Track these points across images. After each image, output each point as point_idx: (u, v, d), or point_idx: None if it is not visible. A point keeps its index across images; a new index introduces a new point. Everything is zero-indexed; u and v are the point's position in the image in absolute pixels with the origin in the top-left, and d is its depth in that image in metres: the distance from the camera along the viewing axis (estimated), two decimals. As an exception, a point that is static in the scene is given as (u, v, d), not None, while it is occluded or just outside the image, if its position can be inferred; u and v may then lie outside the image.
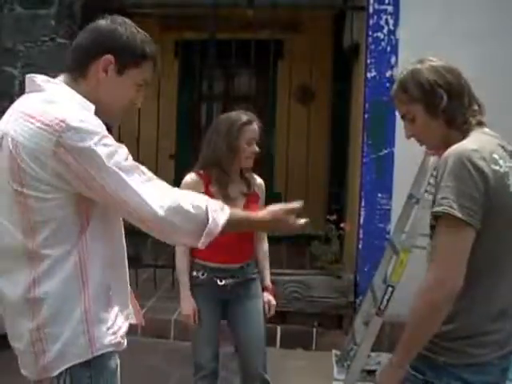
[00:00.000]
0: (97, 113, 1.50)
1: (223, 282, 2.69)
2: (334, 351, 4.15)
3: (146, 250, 5.78)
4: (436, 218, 1.52)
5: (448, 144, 1.60)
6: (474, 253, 1.48)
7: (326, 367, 3.95)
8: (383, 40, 4.18)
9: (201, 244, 1.53)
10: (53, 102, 1.45)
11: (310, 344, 4.26)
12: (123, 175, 1.43)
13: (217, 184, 2.68)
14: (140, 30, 1.58)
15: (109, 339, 1.53)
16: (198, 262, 2.72)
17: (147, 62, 1.57)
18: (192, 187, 2.64)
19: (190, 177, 2.72)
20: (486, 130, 1.65)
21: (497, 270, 1.56)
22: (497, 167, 1.51)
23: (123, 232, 1.64)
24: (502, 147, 1.61)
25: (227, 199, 2.60)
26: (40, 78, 1.51)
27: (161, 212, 1.45)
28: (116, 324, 1.56)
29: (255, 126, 2.70)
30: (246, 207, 2.69)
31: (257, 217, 1.72)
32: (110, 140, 1.44)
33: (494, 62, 4.02)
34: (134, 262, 4.90)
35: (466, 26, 4.06)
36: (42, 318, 1.47)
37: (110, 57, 1.51)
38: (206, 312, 2.72)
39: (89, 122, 1.42)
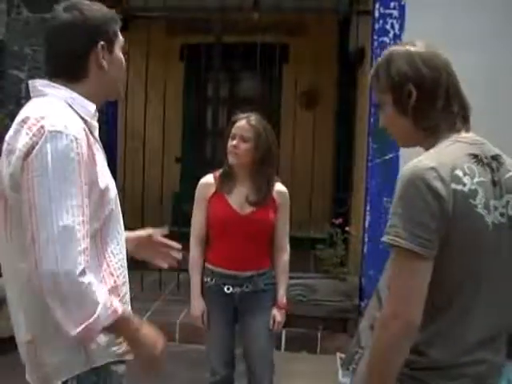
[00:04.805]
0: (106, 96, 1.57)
1: (230, 291, 2.61)
2: (338, 354, 4.13)
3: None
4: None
5: (416, 145, 1.47)
6: (439, 280, 1.31)
7: (331, 371, 3.93)
8: (389, 44, 4.17)
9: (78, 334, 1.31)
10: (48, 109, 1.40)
11: (314, 347, 4.26)
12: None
13: (220, 187, 2.65)
14: (90, 2, 1.53)
15: (113, 349, 1.49)
16: (208, 267, 2.67)
17: (118, 23, 1.57)
18: (203, 188, 2.67)
19: (205, 178, 2.70)
20: (464, 135, 1.42)
21: (470, 296, 1.36)
22: (459, 186, 1.30)
23: (124, 234, 1.61)
24: (476, 157, 1.37)
25: (231, 202, 2.61)
26: (40, 83, 1.49)
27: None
28: None
29: (242, 122, 2.59)
30: (258, 214, 2.62)
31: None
32: None
33: (499, 65, 4.01)
34: (140, 264, 4.90)
35: (472, 29, 4.05)
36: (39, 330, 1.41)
37: (100, 46, 1.49)
38: (216, 317, 2.66)
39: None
